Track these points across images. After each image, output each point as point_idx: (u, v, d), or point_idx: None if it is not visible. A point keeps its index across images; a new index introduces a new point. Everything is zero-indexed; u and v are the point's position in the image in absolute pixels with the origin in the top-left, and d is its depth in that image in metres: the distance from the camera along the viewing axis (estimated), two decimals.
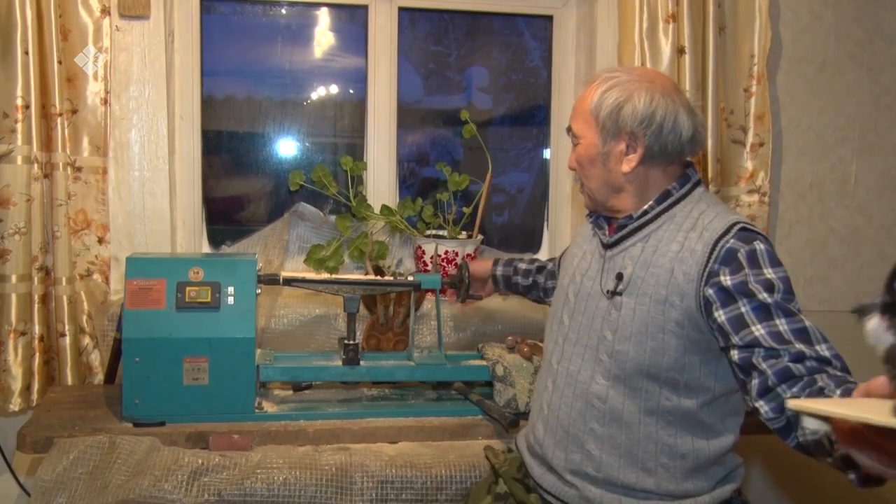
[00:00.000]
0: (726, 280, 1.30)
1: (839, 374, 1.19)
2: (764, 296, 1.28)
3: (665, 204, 1.44)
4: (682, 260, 1.36)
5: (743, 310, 1.28)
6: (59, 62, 2.02)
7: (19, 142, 1.98)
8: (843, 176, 2.58)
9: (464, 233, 2.34)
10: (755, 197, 2.41)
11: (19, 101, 1.97)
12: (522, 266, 1.96)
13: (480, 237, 2.34)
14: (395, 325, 2.09)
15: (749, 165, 2.41)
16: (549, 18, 2.56)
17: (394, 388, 2.03)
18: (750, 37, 2.37)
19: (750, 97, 2.38)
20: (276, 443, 1.74)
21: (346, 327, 1.96)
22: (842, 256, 2.61)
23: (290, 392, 1.97)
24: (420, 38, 2.58)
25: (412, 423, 1.83)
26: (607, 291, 1.43)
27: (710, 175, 2.34)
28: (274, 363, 1.89)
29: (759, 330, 1.26)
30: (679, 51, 2.28)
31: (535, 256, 1.96)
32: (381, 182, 2.46)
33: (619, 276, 1.42)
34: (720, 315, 1.30)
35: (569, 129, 1.50)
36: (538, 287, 1.93)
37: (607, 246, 1.48)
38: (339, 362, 1.90)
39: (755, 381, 1.25)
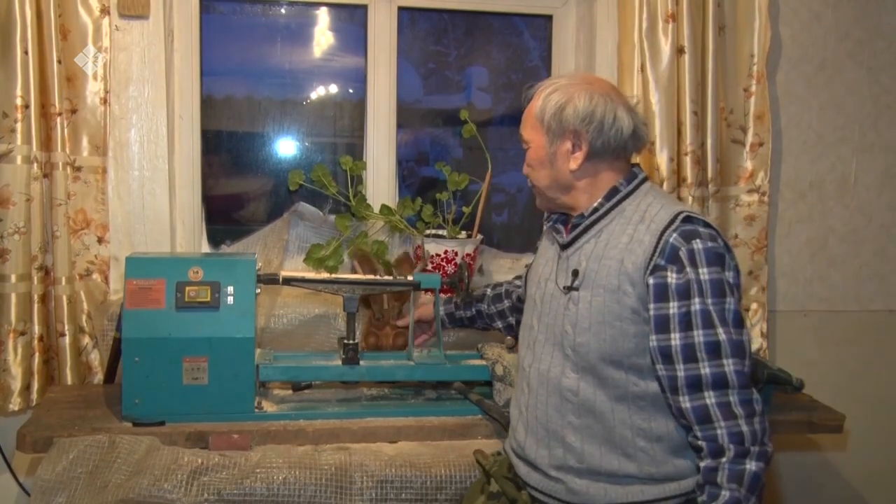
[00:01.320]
0: (672, 278, 1.38)
1: (711, 462, 1.35)
2: (695, 301, 1.36)
3: (614, 200, 1.50)
4: (630, 250, 1.43)
5: (670, 312, 1.38)
6: (59, 62, 2.02)
7: (19, 141, 1.98)
8: (842, 175, 2.58)
9: (463, 232, 2.34)
10: (755, 196, 2.41)
11: (19, 101, 1.97)
12: (460, 300, 2.03)
13: (480, 237, 2.34)
14: (390, 318, 2.09)
15: (749, 165, 2.41)
16: (549, 18, 2.56)
17: (393, 387, 2.03)
18: (750, 36, 2.37)
19: (749, 97, 2.38)
20: (275, 442, 1.74)
21: (345, 327, 1.96)
22: (841, 255, 2.61)
23: (290, 392, 1.97)
24: (419, 38, 2.58)
25: (412, 422, 1.83)
26: (564, 288, 1.50)
27: (709, 175, 2.34)
28: (273, 363, 1.89)
29: (675, 339, 1.37)
30: (679, 50, 2.28)
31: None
32: (380, 181, 2.46)
33: (575, 273, 1.49)
34: (651, 308, 1.39)
35: (521, 137, 1.57)
36: (482, 315, 2.00)
37: (564, 246, 1.54)
38: (339, 362, 1.90)
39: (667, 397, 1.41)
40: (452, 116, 2.51)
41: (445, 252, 2.25)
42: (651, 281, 1.39)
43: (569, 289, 1.48)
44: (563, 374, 1.48)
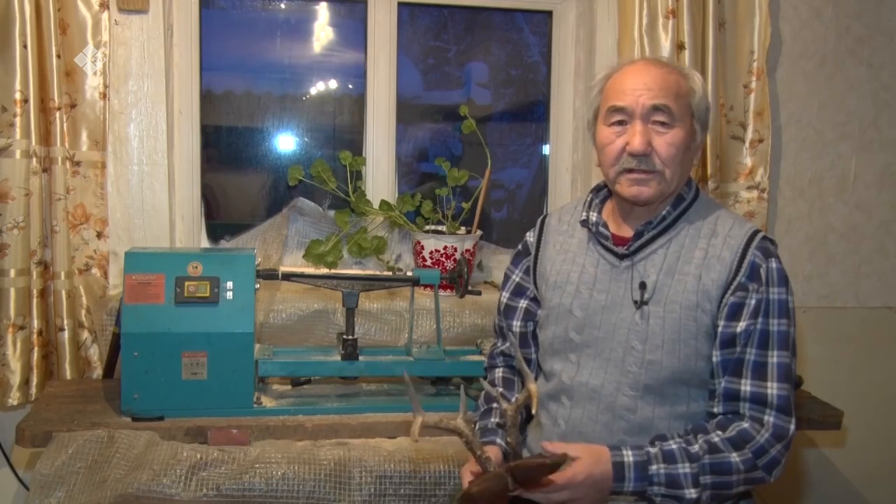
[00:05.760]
0: (751, 298, 1.36)
1: (715, 439, 1.34)
2: (760, 320, 1.35)
3: (680, 208, 1.44)
4: (709, 266, 1.38)
5: (737, 330, 1.36)
6: (58, 56, 2.02)
7: (18, 136, 1.97)
8: (842, 172, 2.58)
9: (463, 228, 2.34)
10: (754, 193, 2.41)
11: (18, 95, 1.96)
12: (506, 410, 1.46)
13: (479, 233, 2.34)
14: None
15: (748, 162, 2.41)
16: (549, 14, 2.56)
17: (392, 383, 2.03)
18: (750, 33, 2.37)
19: (749, 93, 2.38)
20: (274, 437, 1.74)
21: (344, 322, 1.96)
22: (840, 253, 2.61)
23: (289, 387, 1.97)
24: (419, 34, 2.58)
25: (410, 418, 1.82)
26: (634, 302, 1.41)
27: (709, 171, 2.34)
28: (273, 358, 1.90)
29: (734, 354, 1.37)
30: (679, 46, 2.28)
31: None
32: (379, 177, 2.46)
33: (643, 286, 1.41)
34: (720, 325, 1.37)
35: (659, 108, 1.37)
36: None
37: (623, 256, 1.44)
38: (338, 357, 1.91)
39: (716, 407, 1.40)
40: (452, 112, 2.51)
41: (445, 248, 2.25)
42: (731, 299, 1.36)
43: (639, 303, 1.40)
44: (618, 392, 1.40)
